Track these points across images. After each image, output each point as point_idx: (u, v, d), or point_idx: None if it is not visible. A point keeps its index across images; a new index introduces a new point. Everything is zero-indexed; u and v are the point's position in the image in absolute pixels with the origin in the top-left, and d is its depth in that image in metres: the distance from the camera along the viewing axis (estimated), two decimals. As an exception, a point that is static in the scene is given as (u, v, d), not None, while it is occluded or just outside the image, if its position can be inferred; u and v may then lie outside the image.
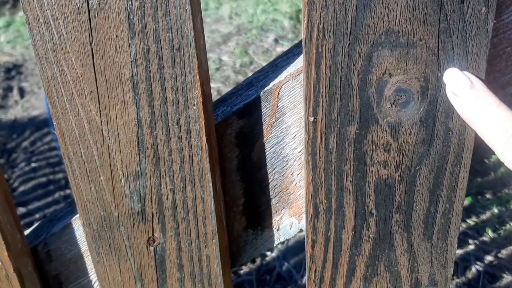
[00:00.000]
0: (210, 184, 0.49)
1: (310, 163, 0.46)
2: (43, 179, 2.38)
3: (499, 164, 2.21)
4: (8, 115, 3.00)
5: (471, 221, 2.00)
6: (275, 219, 0.55)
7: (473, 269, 1.83)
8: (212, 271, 0.55)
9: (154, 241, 0.54)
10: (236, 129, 0.50)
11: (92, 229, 0.54)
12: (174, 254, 0.54)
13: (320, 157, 0.46)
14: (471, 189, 2.14)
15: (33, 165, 2.49)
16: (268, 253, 1.92)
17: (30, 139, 2.71)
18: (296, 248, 1.88)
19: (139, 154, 0.49)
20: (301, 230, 0.56)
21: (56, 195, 2.24)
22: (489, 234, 1.94)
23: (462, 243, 1.91)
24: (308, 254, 0.51)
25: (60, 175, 2.39)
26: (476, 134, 0.45)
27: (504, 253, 1.90)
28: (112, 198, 0.52)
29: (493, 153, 0.39)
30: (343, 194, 0.48)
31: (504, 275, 1.80)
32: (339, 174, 0.47)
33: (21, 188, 2.34)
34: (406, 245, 0.50)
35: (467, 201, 2.07)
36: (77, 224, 0.59)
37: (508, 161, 0.36)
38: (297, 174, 0.52)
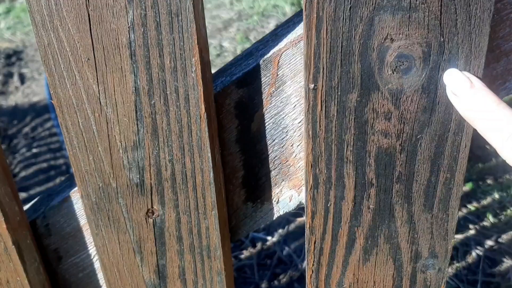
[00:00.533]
0: (209, 155, 0.49)
1: (310, 132, 0.46)
2: (44, 165, 2.38)
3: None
4: (9, 101, 2.99)
5: (471, 207, 2.00)
6: (275, 191, 0.55)
7: (473, 254, 1.84)
8: (212, 243, 0.55)
9: (153, 213, 0.54)
10: (236, 99, 0.50)
11: (90, 201, 0.54)
12: (173, 226, 0.54)
13: (320, 126, 0.46)
14: (472, 174, 2.14)
15: (34, 150, 2.49)
16: (269, 237, 1.92)
17: (31, 125, 2.71)
18: (296, 233, 1.88)
19: (137, 124, 0.48)
20: (300, 204, 0.56)
21: (57, 180, 2.25)
22: (490, 219, 1.94)
23: (462, 228, 1.91)
24: (308, 226, 0.51)
25: (61, 161, 2.39)
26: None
27: (504, 238, 1.91)
28: (110, 169, 0.51)
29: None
30: (343, 164, 0.47)
31: (504, 260, 1.81)
32: (340, 143, 0.46)
33: (22, 174, 2.35)
34: (406, 216, 0.49)
35: (468, 187, 2.07)
36: (76, 197, 0.59)
37: (510, 159, 0.38)
38: (297, 146, 0.52)
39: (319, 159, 0.47)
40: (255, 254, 1.89)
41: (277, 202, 0.56)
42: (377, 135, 0.45)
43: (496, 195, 2.01)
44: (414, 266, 0.52)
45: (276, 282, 1.77)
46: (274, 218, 0.57)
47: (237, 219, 0.58)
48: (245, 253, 1.89)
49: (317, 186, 0.49)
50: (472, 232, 1.91)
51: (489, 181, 2.13)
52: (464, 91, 0.40)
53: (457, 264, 1.80)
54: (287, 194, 0.55)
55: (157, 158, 0.50)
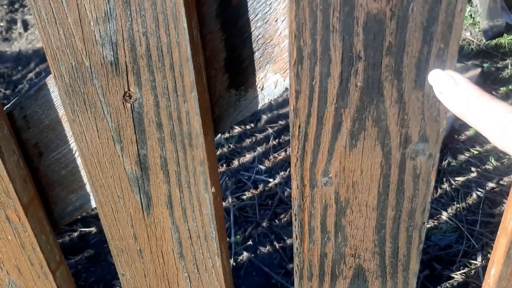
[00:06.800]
0: (185, 25, 0.45)
1: (293, -5, 0.42)
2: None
3: (507, 98, 2.14)
4: (13, 48, 2.96)
5: (474, 150, 1.97)
6: (259, 76, 0.52)
7: (474, 195, 1.82)
8: (193, 129, 0.52)
9: (130, 96, 0.51)
10: (214, -35, 0.46)
11: (64, 82, 0.51)
12: (152, 111, 0.52)
13: (303, -12, 0.42)
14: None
15: (36, 94, 2.47)
16: (271, 179, 1.92)
17: (35, 70, 2.69)
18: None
19: (107, -10, 0.45)
20: (286, 90, 0.53)
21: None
22: (493, 162, 1.91)
23: (464, 171, 1.89)
24: (292, 108, 0.48)
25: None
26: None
27: (506, 180, 1.88)
28: (82, 45, 0.48)
29: None
30: (329, 33, 0.44)
31: (505, 201, 1.79)
32: (325, 8, 0.43)
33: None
34: (396, 95, 0.46)
35: (471, 131, 2.03)
36: (52, 84, 0.56)
37: (500, 146, 0.39)
38: (282, 21, 0.48)
39: (303, 28, 0.44)
40: (257, 195, 1.89)
41: (262, 89, 0.53)
42: (365, -2, 0.42)
43: (501, 139, 1.97)
44: (404, 152, 0.50)
45: (276, 221, 1.78)
46: (259, 107, 0.54)
47: (220, 109, 0.55)
48: (247, 194, 1.89)
49: (301, 61, 0.45)
50: (474, 174, 1.89)
51: (494, 124, 2.07)
52: (450, 89, 0.42)
53: (457, 205, 1.79)
54: (272, 79, 0.52)
55: (130, 31, 0.47)
